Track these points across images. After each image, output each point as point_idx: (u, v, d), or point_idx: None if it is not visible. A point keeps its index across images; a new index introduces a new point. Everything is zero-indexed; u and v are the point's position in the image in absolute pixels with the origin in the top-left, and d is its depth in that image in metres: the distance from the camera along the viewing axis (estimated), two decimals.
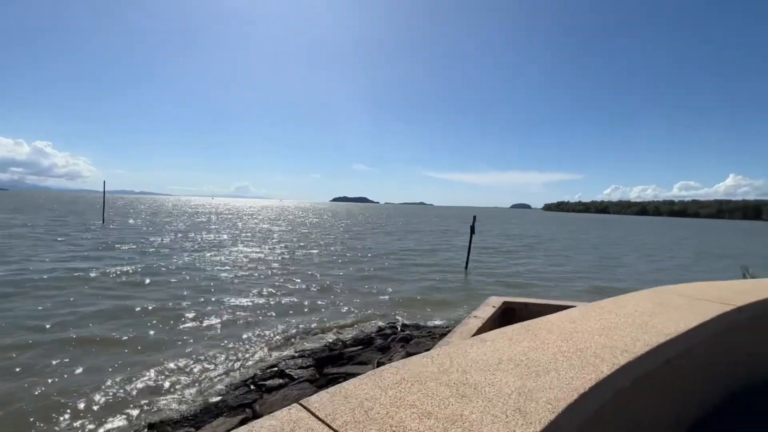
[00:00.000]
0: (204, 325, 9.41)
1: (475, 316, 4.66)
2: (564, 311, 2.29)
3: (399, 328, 9.10)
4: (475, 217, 19.04)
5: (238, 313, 10.51)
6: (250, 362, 7.27)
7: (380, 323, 9.93)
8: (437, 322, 10.06)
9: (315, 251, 24.18)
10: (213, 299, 11.83)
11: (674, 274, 21.55)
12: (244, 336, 8.66)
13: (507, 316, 5.52)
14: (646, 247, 38.91)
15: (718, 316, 2.30)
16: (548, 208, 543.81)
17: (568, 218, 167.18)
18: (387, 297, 13.24)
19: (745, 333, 2.61)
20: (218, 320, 9.77)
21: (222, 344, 8.12)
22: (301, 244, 28.69)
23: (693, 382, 2.17)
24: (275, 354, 7.66)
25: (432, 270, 18.82)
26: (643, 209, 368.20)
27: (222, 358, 7.41)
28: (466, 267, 18.81)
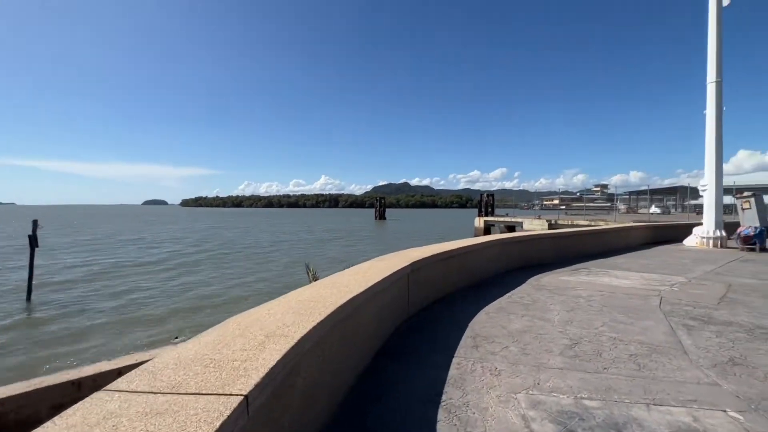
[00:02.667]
0: None
1: None
2: None
3: None
4: (36, 222, 12.75)
5: None
6: None
7: None
8: None
9: None
10: None
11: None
12: None
13: None
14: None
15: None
16: (186, 203, 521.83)
17: (208, 213, 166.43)
18: None
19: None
20: None
21: None
22: None
23: None
24: None
25: None
26: (269, 202, 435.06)
27: None
28: (29, 298, 12.34)
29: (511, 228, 37.03)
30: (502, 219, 36.09)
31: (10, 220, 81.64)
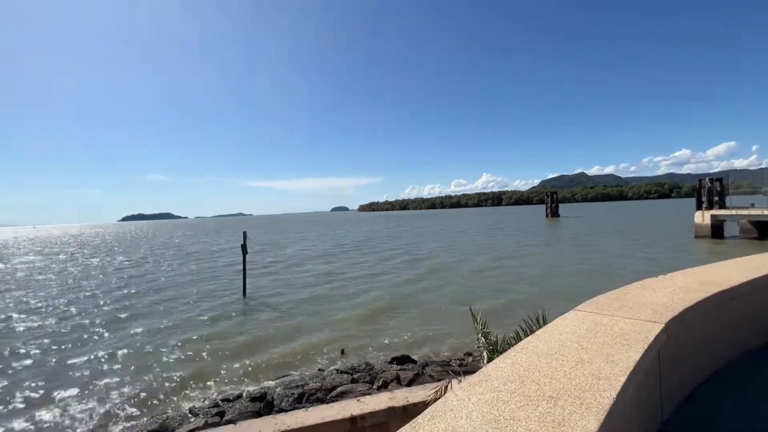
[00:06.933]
0: None
1: None
2: None
3: None
4: (246, 234, 15.74)
5: None
6: None
7: None
8: None
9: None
10: None
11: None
12: None
13: None
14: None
15: None
16: (362, 208, 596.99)
17: (392, 215, 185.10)
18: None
19: None
20: None
21: None
22: None
23: None
24: None
25: (194, 304, 14.43)
26: (432, 204, 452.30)
27: None
28: (244, 295, 15.32)
29: (762, 225, 26.00)
30: (744, 212, 25.59)
31: (258, 227, 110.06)
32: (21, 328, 12.37)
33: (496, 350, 3.08)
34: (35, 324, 12.88)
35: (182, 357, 9.62)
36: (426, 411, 1.51)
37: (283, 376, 8.36)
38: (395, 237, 47.53)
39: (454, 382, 2.81)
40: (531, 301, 13.16)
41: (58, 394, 7.68)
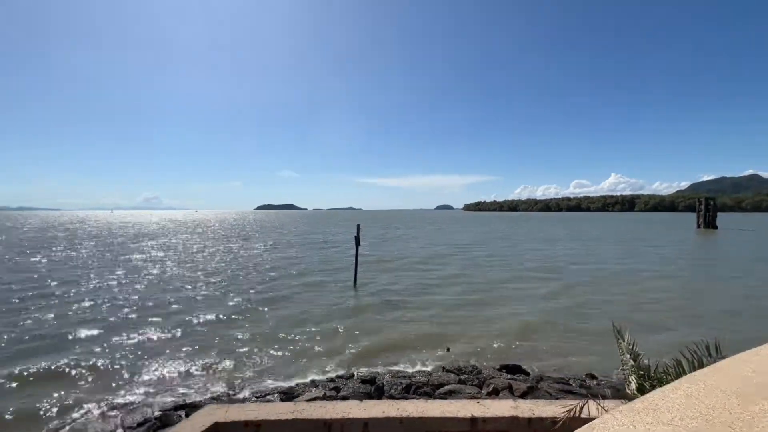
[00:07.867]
0: None
1: None
2: None
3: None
4: (359, 226, 16.82)
5: None
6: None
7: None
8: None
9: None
10: None
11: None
12: None
13: None
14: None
15: None
16: (468, 208, 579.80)
17: (490, 217, 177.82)
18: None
19: None
20: None
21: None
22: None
23: None
24: None
25: (309, 291, 16.05)
26: (546, 206, 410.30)
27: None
28: (355, 285, 16.44)
29: None
30: None
31: (368, 220, 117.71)
32: (183, 299, 15.56)
33: (647, 377, 2.63)
34: (197, 296, 16.06)
35: (300, 334, 10.83)
36: (580, 430, 1.40)
37: (390, 366, 8.74)
38: (512, 240, 44.89)
39: (591, 403, 2.53)
40: (690, 331, 11.01)
41: (213, 359, 9.18)
